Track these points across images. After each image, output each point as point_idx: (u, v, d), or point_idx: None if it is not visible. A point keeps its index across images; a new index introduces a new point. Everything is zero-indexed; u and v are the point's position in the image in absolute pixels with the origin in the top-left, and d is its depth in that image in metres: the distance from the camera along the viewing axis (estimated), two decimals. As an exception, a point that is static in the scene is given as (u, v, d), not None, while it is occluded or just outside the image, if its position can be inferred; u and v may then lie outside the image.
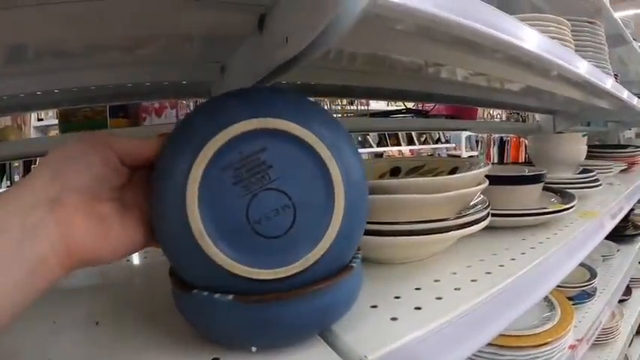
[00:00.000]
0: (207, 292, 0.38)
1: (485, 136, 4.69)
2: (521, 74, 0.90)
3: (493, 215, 0.68)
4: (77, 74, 0.76)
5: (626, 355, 2.20)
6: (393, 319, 0.47)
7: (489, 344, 0.95)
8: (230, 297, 0.37)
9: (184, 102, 1.52)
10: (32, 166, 3.55)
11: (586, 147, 1.22)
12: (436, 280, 0.57)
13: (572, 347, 1.11)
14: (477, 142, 5.04)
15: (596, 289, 1.45)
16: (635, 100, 1.51)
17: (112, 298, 0.58)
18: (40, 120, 3.61)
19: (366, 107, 4.05)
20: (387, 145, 4.95)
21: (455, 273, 0.60)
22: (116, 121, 1.23)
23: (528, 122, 2.35)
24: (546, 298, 1.15)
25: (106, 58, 0.71)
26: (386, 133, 4.68)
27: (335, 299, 0.40)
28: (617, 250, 1.81)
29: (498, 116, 3.94)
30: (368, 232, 0.54)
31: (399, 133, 4.88)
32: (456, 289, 0.54)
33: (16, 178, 3.60)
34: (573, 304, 1.30)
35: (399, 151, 5.00)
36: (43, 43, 0.62)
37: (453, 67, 0.92)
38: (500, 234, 0.78)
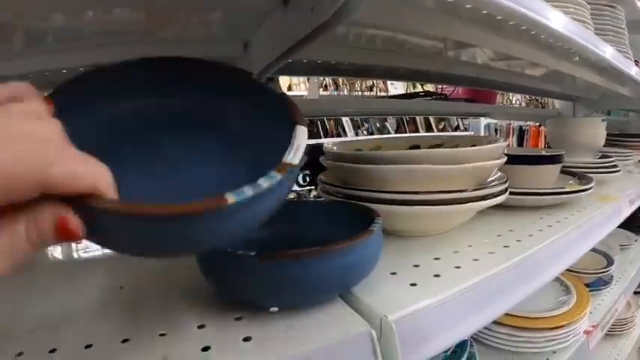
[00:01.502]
0: (230, 249, 0.39)
1: (504, 124, 4.62)
2: (543, 56, 0.90)
3: (511, 193, 0.69)
4: (100, 52, 0.77)
5: (640, 348, 2.18)
6: (413, 284, 0.48)
7: (504, 325, 0.96)
8: (252, 253, 0.38)
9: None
10: None
11: (605, 132, 1.21)
12: (455, 252, 0.58)
13: (587, 333, 1.11)
14: (495, 130, 4.97)
15: (612, 276, 1.44)
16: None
17: (135, 264, 0.59)
18: None
19: (384, 93, 4.03)
20: (405, 132, 4.91)
21: (471, 246, 0.61)
22: None
23: (548, 109, 2.32)
24: (562, 283, 1.15)
25: (129, 35, 0.72)
26: (404, 118, 4.64)
27: (355, 259, 0.42)
28: (635, 240, 1.80)
29: (517, 102, 3.89)
30: (388, 202, 0.55)
31: (417, 120, 4.83)
32: (474, 259, 0.55)
33: None
34: (589, 291, 1.30)
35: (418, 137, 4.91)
36: (66, 20, 0.62)
37: (474, 50, 0.92)
38: (517, 213, 0.78)
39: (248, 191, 0.28)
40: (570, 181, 0.95)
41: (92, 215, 0.26)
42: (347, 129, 4.54)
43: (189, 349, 0.38)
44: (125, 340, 0.40)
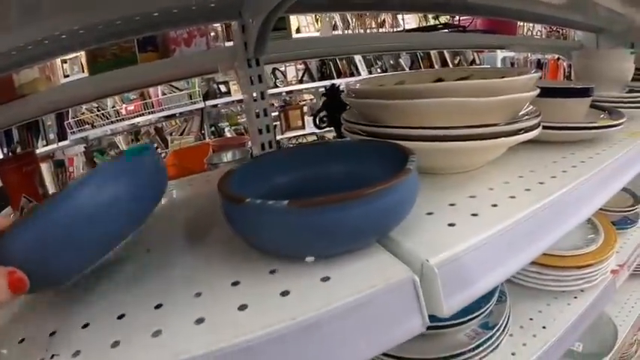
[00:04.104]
0: (260, 200, 0.37)
1: (521, 58, 4.48)
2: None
3: (543, 127, 0.65)
4: (100, 9, 0.73)
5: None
6: (451, 224, 0.46)
7: (534, 263, 0.94)
8: (285, 202, 0.35)
9: (213, 31, 1.47)
10: (65, 122, 3.50)
11: (633, 66, 1.14)
12: (490, 189, 0.55)
13: (613, 272, 1.10)
14: (512, 64, 4.83)
15: (638, 214, 1.40)
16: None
17: (160, 227, 0.57)
18: (66, 77, 3.55)
19: (395, 29, 3.91)
20: (420, 68, 4.80)
21: (508, 182, 0.58)
22: (145, 56, 1.20)
23: (569, 40, 2.22)
24: (590, 221, 1.12)
25: None
26: (418, 55, 4.54)
27: (392, 202, 0.39)
28: (659, 176, 1.74)
29: (539, 34, 3.74)
30: (420, 138, 0.52)
31: (432, 56, 4.72)
32: (510, 197, 0.52)
33: (51, 136, 3.56)
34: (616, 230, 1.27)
35: (433, 74, 4.80)
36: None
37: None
38: (545, 148, 0.75)
39: None
40: (602, 116, 0.90)
41: None
42: (360, 68, 4.47)
43: (227, 308, 0.36)
44: (159, 306, 0.39)
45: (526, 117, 0.62)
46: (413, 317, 0.37)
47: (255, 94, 0.85)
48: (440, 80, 0.71)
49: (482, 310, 0.74)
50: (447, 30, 1.60)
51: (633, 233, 1.37)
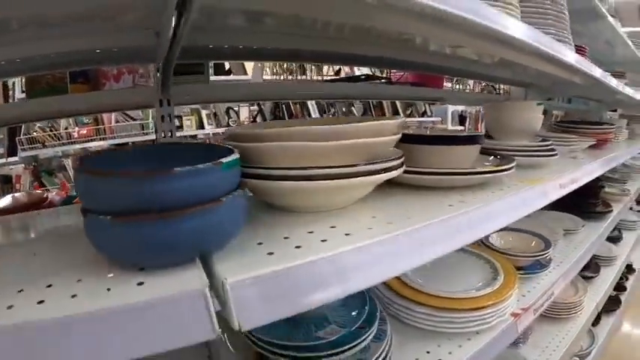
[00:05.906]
0: (93, 214, 0.43)
1: (473, 110, 4.66)
2: (486, 46, 0.90)
3: (414, 173, 0.69)
4: (38, 44, 0.79)
5: (591, 331, 2.23)
6: (270, 253, 0.50)
7: (424, 305, 0.96)
8: (108, 217, 0.42)
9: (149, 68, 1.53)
10: (17, 138, 3.46)
11: (542, 116, 1.20)
12: (332, 227, 0.59)
13: (515, 315, 1.12)
14: (460, 116, 4.99)
15: (550, 260, 1.45)
16: (611, 80, 1.51)
17: (52, 238, 0.64)
18: (24, 92, 3.52)
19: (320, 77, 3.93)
20: (372, 116, 4.92)
21: (358, 221, 0.62)
22: (76, 87, 1.25)
23: (500, 94, 2.32)
24: (492, 265, 1.16)
25: (64, 28, 0.73)
26: (371, 103, 4.66)
27: (203, 225, 0.44)
28: (582, 226, 1.81)
29: (469, 87, 3.91)
30: (275, 177, 0.58)
31: (384, 105, 4.85)
32: (346, 234, 0.56)
33: (0, 150, 3.52)
34: (525, 274, 1.31)
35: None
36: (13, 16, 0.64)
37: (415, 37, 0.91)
38: (428, 193, 0.78)
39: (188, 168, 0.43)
40: (486, 163, 0.95)
41: None
42: (312, 112, 4.56)
43: (63, 297, 0.42)
44: (20, 291, 0.44)
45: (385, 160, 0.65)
46: (202, 323, 0.42)
47: (164, 133, 0.95)
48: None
49: (355, 343, 0.75)
50: (375, 81, 1.65)
51: (544, 277, 1.40)
